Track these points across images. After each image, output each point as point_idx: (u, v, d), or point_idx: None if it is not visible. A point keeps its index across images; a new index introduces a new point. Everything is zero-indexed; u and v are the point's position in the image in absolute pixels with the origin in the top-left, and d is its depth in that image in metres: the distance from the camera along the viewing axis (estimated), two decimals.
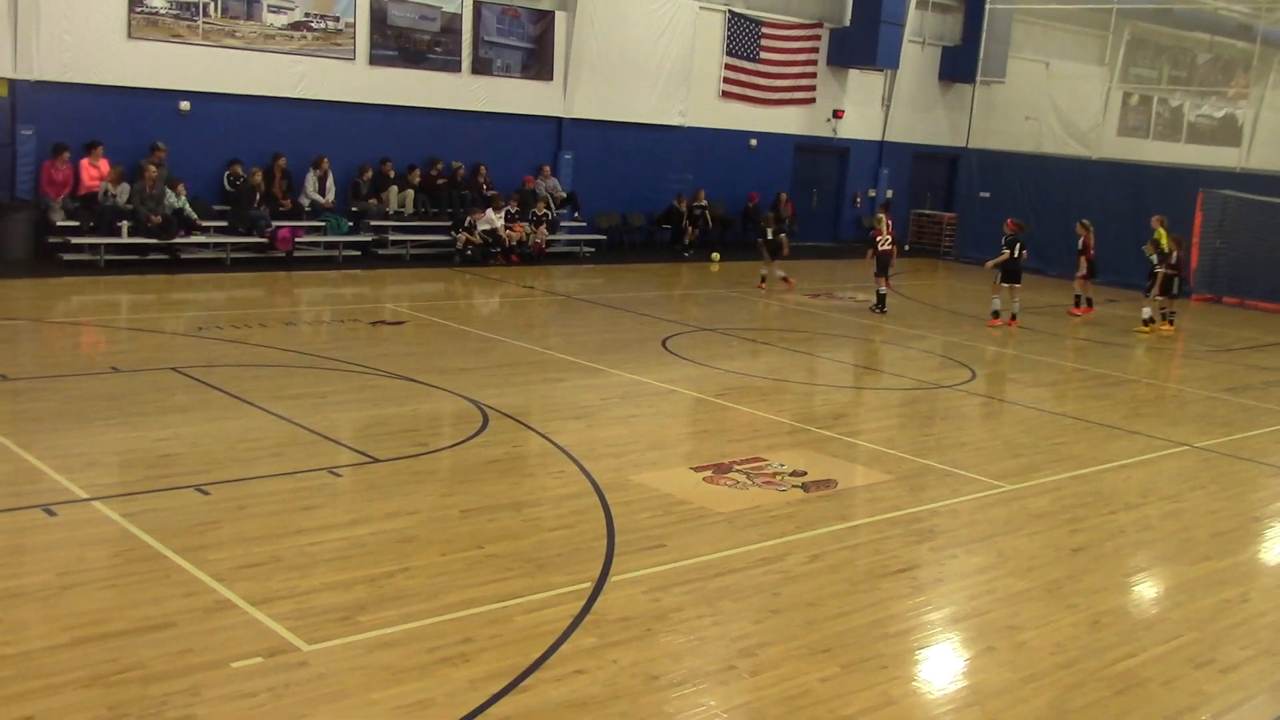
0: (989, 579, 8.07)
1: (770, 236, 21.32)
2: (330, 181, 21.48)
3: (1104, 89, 30.08)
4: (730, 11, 27.39)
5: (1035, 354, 17.33)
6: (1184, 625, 7.50)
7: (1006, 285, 19.20)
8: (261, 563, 7.31)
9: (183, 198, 19.47)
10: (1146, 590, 8.40)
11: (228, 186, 20.39)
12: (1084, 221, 21.03)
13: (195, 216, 19.56)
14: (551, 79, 24.68)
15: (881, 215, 20.32)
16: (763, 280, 21.39)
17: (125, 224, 18.78)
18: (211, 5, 20.14)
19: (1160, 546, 9.19)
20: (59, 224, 18.48)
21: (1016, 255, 19.10)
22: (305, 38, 21.28)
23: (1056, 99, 29.78)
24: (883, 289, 19.68)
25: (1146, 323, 19.95)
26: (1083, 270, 20.88)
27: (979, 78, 29.92)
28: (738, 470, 10.07)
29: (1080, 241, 20.87)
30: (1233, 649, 7.18)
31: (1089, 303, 21.24)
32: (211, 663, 5.99)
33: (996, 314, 19.33)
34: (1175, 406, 14.67)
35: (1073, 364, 16.52)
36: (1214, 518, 9.93)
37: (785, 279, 21.30)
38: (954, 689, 6.46)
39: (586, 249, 24.64)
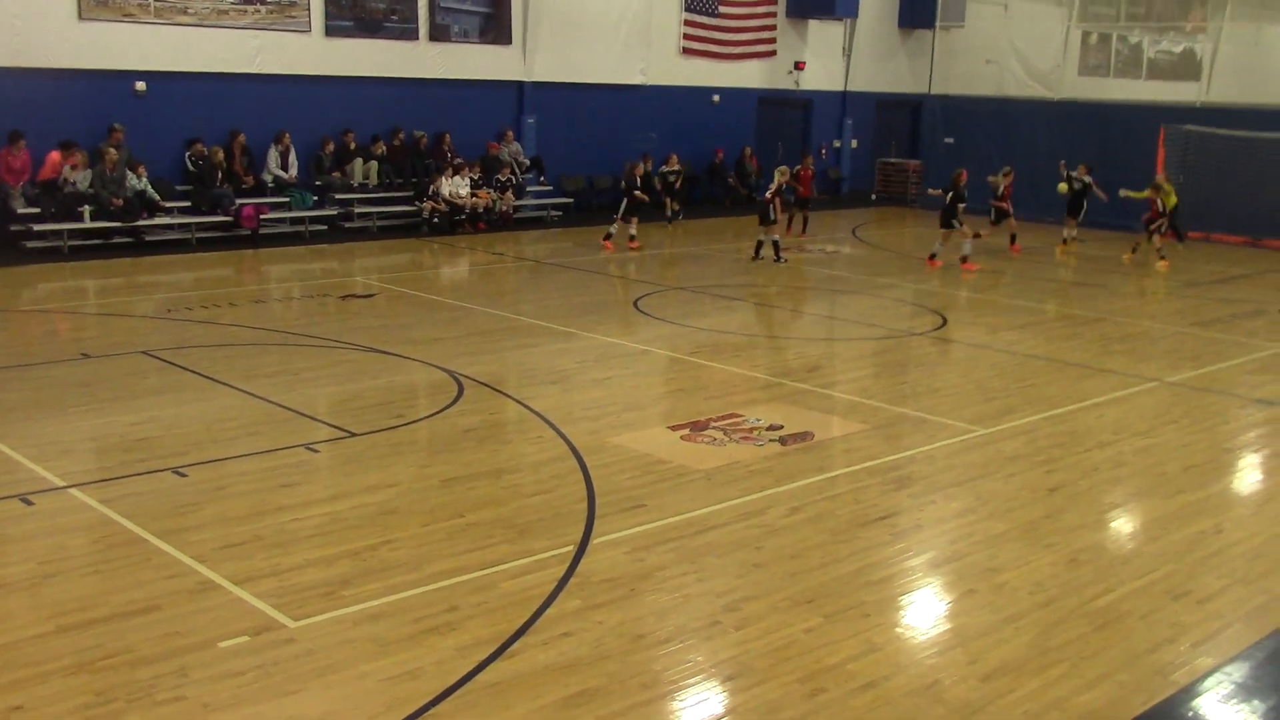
0: (967, 522, 8.16)
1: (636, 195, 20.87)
2: (293, 156, 21.30)
3: (1063, 28, 30.07)
4: None
5: (1006, 297, 17.43)
6: (1160, 559, 7.61)
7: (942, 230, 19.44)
8: (243, 542, 7.32)
9: (144, 179, 19.28)
10: (1122, 526, 8.51)
11: (190, 166, 20.18)
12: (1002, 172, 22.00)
13: (158, 197, 19.38)
14: (510, 43, 24.49)
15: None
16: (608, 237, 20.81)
17: (87, 209, 18.59)
18: None
19: (1134, 482, 9.31)
20: (20, 211, 18.27)
21: (948, 204, 19.15)
22: (259, 11, 21.01)
23: (1016, 41, 29.75)
24: (771, 237, 19.58)
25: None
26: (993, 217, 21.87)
27: (938, 23, 29.88)
28: (715, 427, 10.11)
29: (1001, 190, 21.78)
30: (1209, 579, 7.30)
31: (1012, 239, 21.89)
32: (198, 644, 6.00)
33: (932, 255, 19.45)
34: (1145, 343, 14.79)
35: (1042, 305, 16.62)
36: (1186, 451, 10.05)
37: (631, 238, 20.84)
38: (936, 633, 6.54)
39: (554, 213, 24.55)
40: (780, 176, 19.74)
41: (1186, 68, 32.19)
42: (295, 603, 6.49)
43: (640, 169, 21.73)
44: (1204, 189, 24.14)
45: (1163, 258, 20.38)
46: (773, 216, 19.29)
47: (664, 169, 24.69)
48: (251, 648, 5.99)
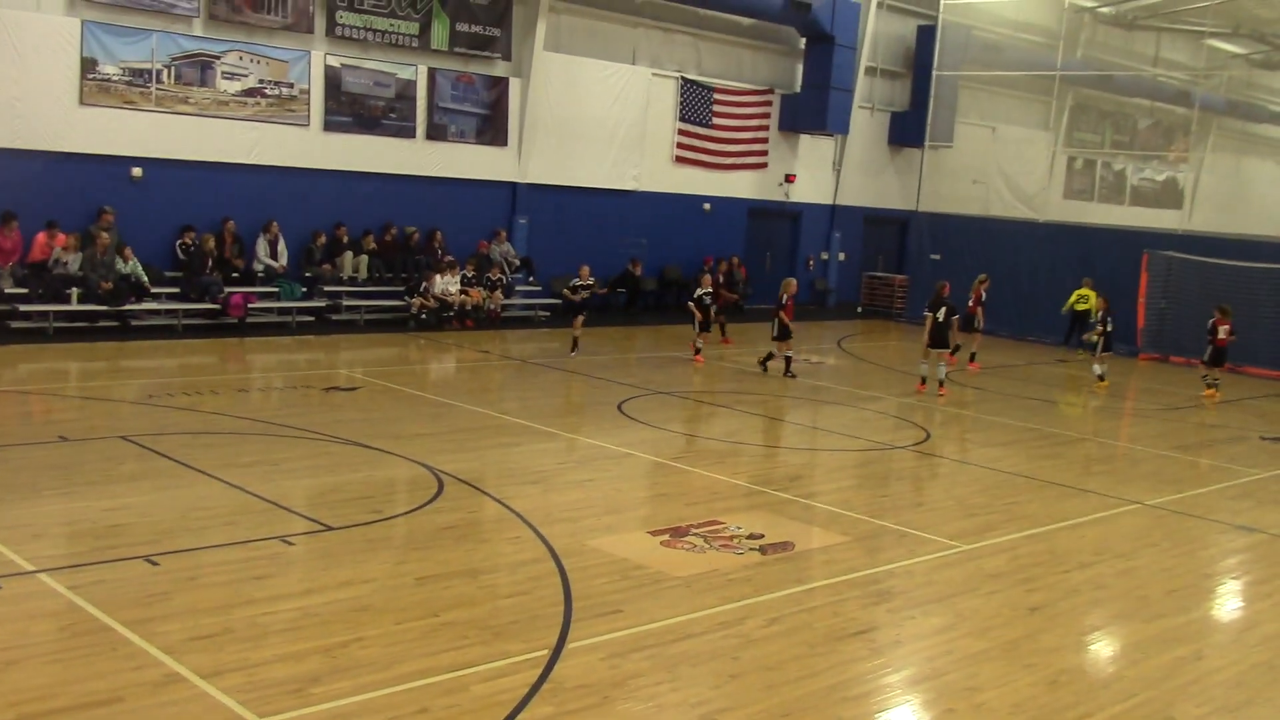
0: (947, 640, 8.07)
1: (709, 303, 20.30)
2: (282, 245, 21.43)
3: (1049, 153, 30.72)
4: (683, 78, 27.77)
5: (988, 414, 17.49)
6: (1140, 683, 7.53)
7: (933, 350, 18.37)
8: (212, 634, 7.18)
9: (131, 262, 19.34)
10: (1103, 649, 8.43)
11: (180, 254, 20.28)
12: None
13: (145, 279, 19.40)
14: (506, 144, 24.86)
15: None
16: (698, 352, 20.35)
17: (75, 291, 18.61)
18: (165, 72, 20.16)
19: (1115, 604, 9.25)
20: (7, 291, 18.28)
21: (942, 320, 18.20)
22: (259, 104, 21.32)
23: (1003, 163, 30.36)
24: (786, 352, 19.22)
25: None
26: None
27: (927, 142, 30.46)
28: (695, 534, 10.04)
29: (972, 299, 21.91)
30: (1188, 706, 7.22)
31: (972, 357, 21.79)
32: None
33: (923, 380, 18.59)
34: (1126, 465, 14.82)
35: (1025, 423, 16.66)
36: (1167, 575, 10.01)
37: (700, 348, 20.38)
38: None
39: (542, 313, 24.67)
40: (786, 290, 19.24)
41: (1169, 196, 32.89)
42: (262, 699, 6.35)
43: (707, 279, 20.99)
44: (1186, 315, 24.44)
45: (1211, 386, 20.03)
46: (787, 331, 18.94)
47: (576, 282, 20.66)
48: None
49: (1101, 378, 20.42)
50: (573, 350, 19.92)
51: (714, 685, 7.00)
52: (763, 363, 19.50)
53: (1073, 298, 24.92)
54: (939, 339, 18.28)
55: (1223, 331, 20.05)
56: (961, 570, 9.65)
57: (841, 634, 8.02)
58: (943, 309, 18.25)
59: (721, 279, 23.30)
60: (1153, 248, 25.13)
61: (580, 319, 20.40)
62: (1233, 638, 8.83)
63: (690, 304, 20.42)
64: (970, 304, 21.85)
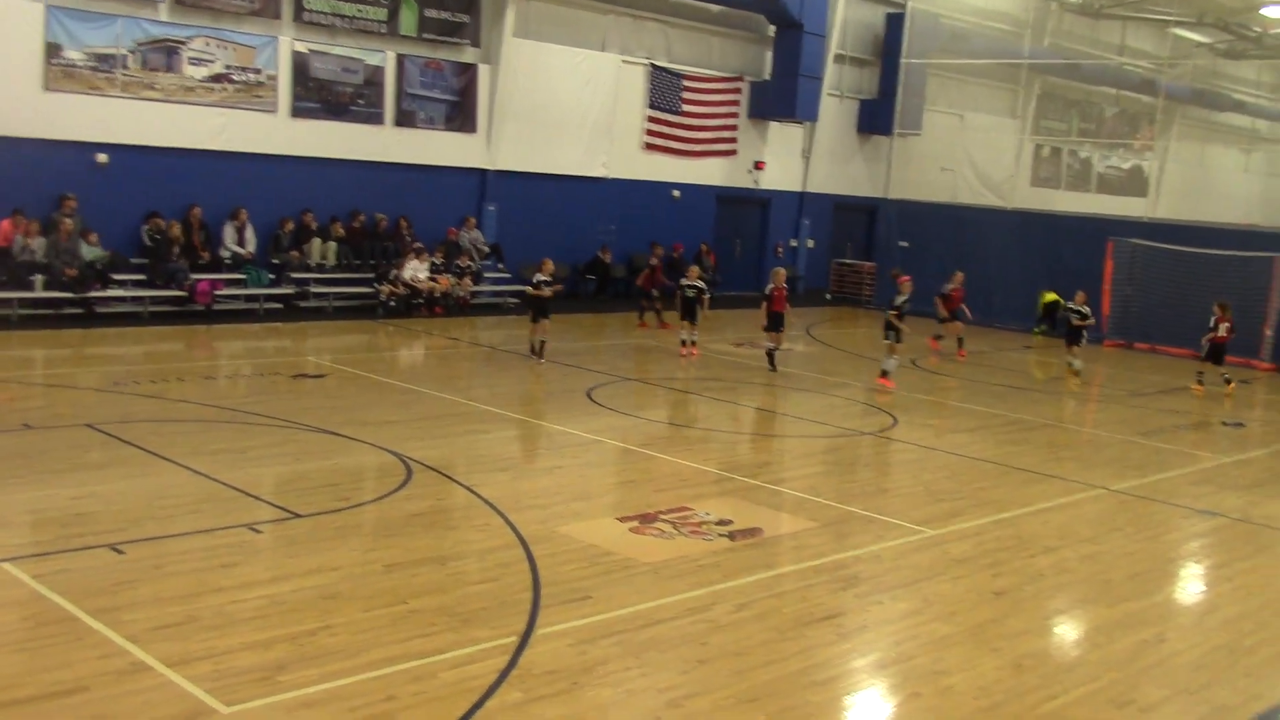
0: (913, 624, 8.14)
1: (691, 295, 19.73)
2: (249, 233, 21.28)
3: (1016, 141, 30.90)
4: (652, 65, 27.74)
5: (956, 400, 17.60)
6: (1104, 666, 7.62)
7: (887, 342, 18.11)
8: (179, 623, 7.15)
9: (96, 247, 19.17)
10: (1067, 632, 8.52)
11: (146, 240, 20.11)
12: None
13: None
14: (475, 131, 24.76)
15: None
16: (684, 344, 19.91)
17: (39, 278, 18.43)
18: (130, 57, 19.95)
19: (1079, 589, 9.34)
20: None
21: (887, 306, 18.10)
22: (226, 90, 21.14)
23: (971, 151, 30.53)
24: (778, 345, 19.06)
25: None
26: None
27: (896, 130, 30.57)
28: (664, 520, 10.07)
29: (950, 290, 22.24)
30: (1151, 689, 7.31)
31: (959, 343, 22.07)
32: None
33: (883, 373, 17.98)
34: (1091, 450, 14.95)
35: (991, 409, 16.79)
36: (1130, 559, 10.12)
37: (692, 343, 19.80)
38: None
39: (511, 300, 24.61)
40: (777, 279, 18.82)
41: (1134, 183, 33.22)
42: (229, 687, 6.33)
43: (694, 271, 20.33)
44: (1151, 302, 24.69)
45: (1206, 383, 19.70)
46: (771, 322, 18.63)
47: (539, 277, 18.10)
48: None
49: (1077, 371, 20.26)
50: (535, 355, 17.98)
51: (682, 670, 7.03)
52: (770, 362, 18.78)
53: (1044, 299, 25.47)
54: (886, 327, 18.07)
55: (1224, 329, 19.73)
56: (928, 555, 9.72)
57: (809, 619, 8.07)
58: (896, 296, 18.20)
59: (656, 263, 23.29)
60: (1118, 235, 25.33)
61: (546, 323, 18.05)
62: (1194, 621, 8.94)
63: (675, 292, 20.36)
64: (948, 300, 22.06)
